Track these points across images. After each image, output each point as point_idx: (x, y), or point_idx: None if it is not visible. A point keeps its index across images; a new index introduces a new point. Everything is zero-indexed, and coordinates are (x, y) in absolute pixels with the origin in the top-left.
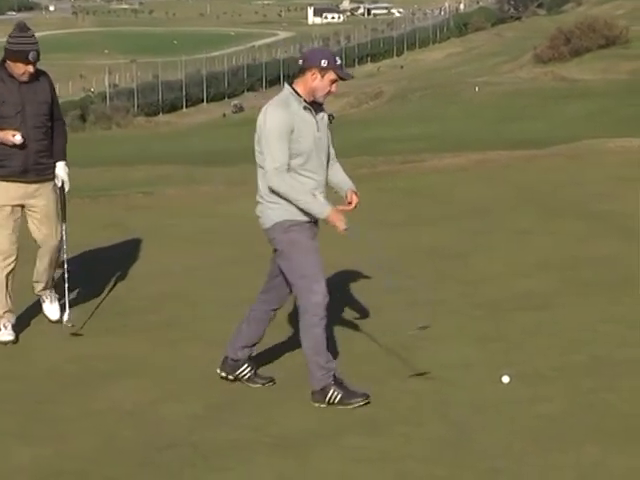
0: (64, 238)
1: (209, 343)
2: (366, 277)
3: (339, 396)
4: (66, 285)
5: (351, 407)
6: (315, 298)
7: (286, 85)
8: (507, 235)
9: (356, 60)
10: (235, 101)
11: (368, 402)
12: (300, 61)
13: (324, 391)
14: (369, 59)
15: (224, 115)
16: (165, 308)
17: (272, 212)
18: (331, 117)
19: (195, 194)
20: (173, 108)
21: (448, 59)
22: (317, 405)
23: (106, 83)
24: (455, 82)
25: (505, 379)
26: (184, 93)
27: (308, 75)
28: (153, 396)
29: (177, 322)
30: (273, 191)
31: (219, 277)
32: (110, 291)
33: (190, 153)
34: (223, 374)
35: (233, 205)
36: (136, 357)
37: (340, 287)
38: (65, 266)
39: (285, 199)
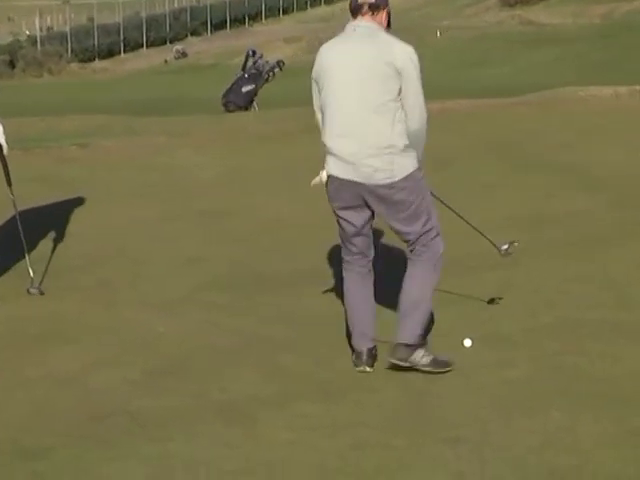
0: (15, 203)
1: (148, 305)
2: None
3: (427, 360)
4: (25, 248)
5: (435, 372)
6: (442, 249)
7: (374, 24)
8: (470, 190)
9: (308, 2)
10: (177, 46)
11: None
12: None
13: (412, 348)
14: (322, 1)
15: (165, 61)
16: (101, 267)
17: (408, 161)
18: (281, 63)
19: (134, 145)
20: (110, 54)
21: (411, 0)
22: (395, 362)
23: (37, 26)
24: (418, 25)
25: (467, 343)
26: (122, 37)
27: (383, 14)
28: (88, 362)
29: (114, 282)
30: (413, 137)
31: (159, 233)
32: (43, 249)
33: (128, 102)
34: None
35: (174, 157)
36: (70, 320)
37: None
38: (20, 229)
39: (413, 147)
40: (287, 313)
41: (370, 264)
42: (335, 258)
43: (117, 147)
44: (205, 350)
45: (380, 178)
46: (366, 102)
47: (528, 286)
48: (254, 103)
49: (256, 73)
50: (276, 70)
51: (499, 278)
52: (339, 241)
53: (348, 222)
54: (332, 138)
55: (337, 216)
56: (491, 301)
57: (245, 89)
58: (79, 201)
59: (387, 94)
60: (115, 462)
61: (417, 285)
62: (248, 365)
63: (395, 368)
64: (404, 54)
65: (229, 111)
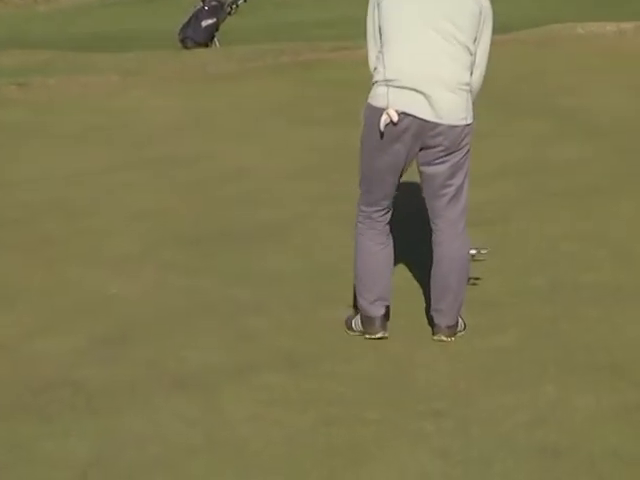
0: None
1: (96, 263)
2: None
3: (462, 324)
4: None
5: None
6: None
7: None
8: None
9: None
10: None
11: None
12: None
13: (458, 322)
14: None
15: None
16: (42, 220)
17: (472, 107)
18: None
19: (80, 85)
20: None
21: None
22: (448, 339)
23: None
24: None
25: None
26: None
27: None
28: (27, 328)
29: (58, 238)
30: (474, 86)
31: (109, 184)
32: None
33: (75, 36)
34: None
35: (126, 98)
36: (6, 280)
37: None
38: None
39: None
40: (252, 272)
41: (387, 225)
42: (306, 211)
43: (61, 87)
44: (160, 314)
45: (456, 118)
46: (448, 35)
47: (518, 244)
48: (215, 39)
49: (217, 5)
50: (240, 2)
51: (486, 235)
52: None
53: (391, 157)
54: (402, 70)
55: (375, 151)
56: (476, 259)
57: (205, 23)
58: (18, 147)
59: (471, 31)
60: (55, 438)
61: (462, 247)
62: (208, 331)
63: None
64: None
65: (187, 48)
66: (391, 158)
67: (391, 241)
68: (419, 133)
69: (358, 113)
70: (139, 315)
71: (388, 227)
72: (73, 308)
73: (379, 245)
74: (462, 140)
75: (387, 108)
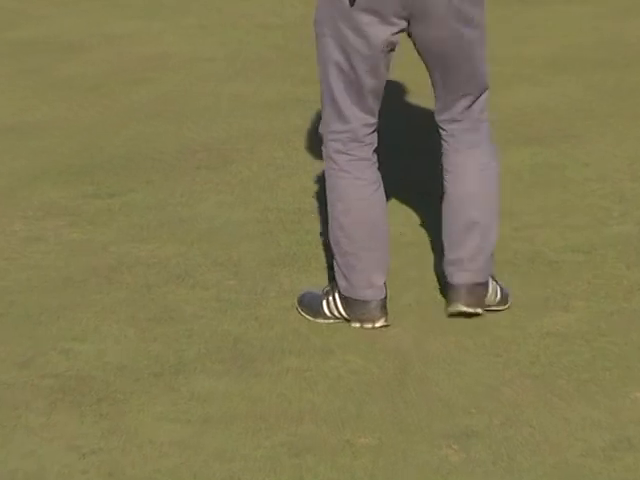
0: None
1: None
2: None
3: (500, 295)
4: None
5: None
6: None
7: None
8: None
9: None
10: None
11: None
12: None
13: (487, 285)
14: None
15: None
16: None
17: None
18: None
19: None
20: None
21: None
22: (472, 310)
23: None
24: None
25: None
26: None
27: None
28: None
29: None
30: None
31: None
32: None
33: None
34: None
35: None
36: None
37: None
38: None
39: None
40: (174, 221)
41: (375, 154)
42: (252, 129)
43: None
44: (36, 286)
45: None
46: None
47: (590, 171)
48: None
49: None
50: None
51: (536, 156)
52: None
53: (367, 41)
54: None
55: (341, 32)
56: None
57: None
58: None
59: None
60: None
61: (490, 158)
62: (107, 311)
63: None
64: None
65: None
66: (362, 36)
67: (382, 187)
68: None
69: None
70: (3, 290)
71: (376, 165)
72: None
73: (371, 185)
74: (472, 7)
75: None
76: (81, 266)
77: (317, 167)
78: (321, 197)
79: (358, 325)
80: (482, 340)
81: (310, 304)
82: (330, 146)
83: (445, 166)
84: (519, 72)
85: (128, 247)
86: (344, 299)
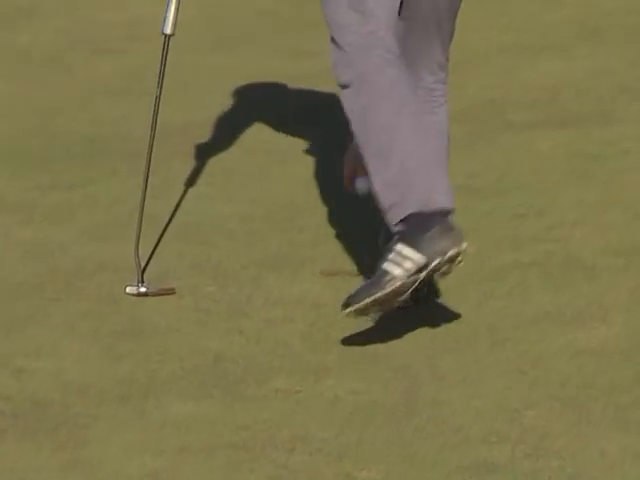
0: None
1: None
2: None
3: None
4: None
5: None
6: None
7: None
8: None
9: None
10: None
11: None
12: None
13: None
14: None
15: None
16: None
17: None
18: None
19: None
20: None
21: None
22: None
23: None
24: None
25: None
26: None
27: None
28: None
29: None
30: None
31: None
32: None
33: None
34: None
35: None
36: None
37: None
38: None
39: None
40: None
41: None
42: (234, 108)
43: None
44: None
45: None
46: None
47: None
48: None
49: None
50: None
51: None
52: None
53: None
54: None
55: None
56: None
57: None
58: None
59: None
60: None
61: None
62: (66, 322)
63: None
64: None
65: None
66: None
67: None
68: None
69: None
70: None
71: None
72: None
73: (405, 76)
74: None
75: None
76: (35, 270)
77: (313, 153)
78: (319, 188)
79: (439, 261)
80: (504, 356)
81: (369, 287)
82: (355, 45)
83: None
84: (548, 43)
85: (90, 248)
86: (411, 229)
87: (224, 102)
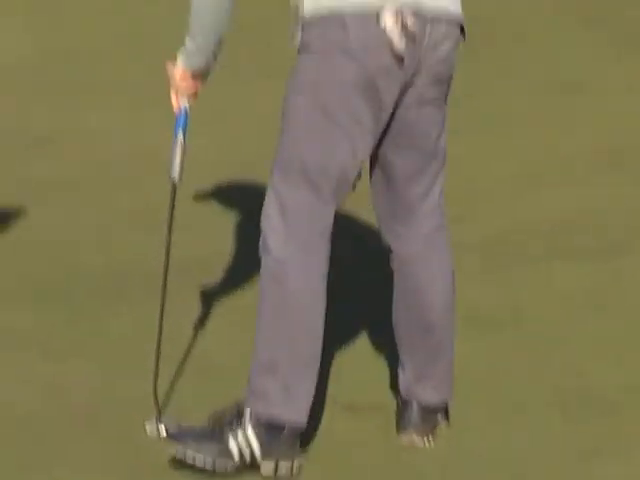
0: None
1: None
2: None
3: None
4: None
5: None
6: None
7: None
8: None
9: None
10: None
11: None
12: None
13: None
14: None
15: None
16: None
17: None
18: None
19: None
20: None
21: None
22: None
23: None
24: None
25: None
26: None
27: None
28: None
29: None
30: None
31: None
32: None
33: None
34: None
35: None
36: None
37: None
38: None
39: None
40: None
41: None
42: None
43: None
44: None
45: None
46: None
47: None
48: None
49: None
50: None
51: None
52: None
53: (359, 119)
54: None
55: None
56: None
57: None
58: None
59: None
60: None
61: (450, 285)
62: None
63: None
64: None
65: None
66: (355, 111)
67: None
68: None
69: None
70: None
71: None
72: None
73: (322, 284)
74: (451, 64)
75: (382, 8)
76: (55, 406)
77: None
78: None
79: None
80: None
81: (207, 452)
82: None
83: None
84: (561, 171)
85: (108, 382)
86: (267, 429)
87: (246, 232)
